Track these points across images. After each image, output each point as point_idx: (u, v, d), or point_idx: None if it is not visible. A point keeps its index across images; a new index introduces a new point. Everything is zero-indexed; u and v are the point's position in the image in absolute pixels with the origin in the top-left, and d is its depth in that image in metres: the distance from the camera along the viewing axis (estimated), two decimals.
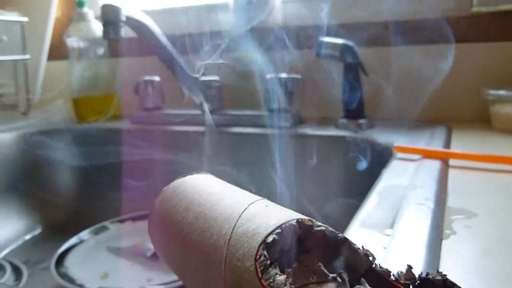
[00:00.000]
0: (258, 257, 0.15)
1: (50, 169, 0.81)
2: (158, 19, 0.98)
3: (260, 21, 0.83)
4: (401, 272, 0.16)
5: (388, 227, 0.30)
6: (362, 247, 0.16)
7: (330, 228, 0.16)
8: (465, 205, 0.34)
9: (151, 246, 0.63)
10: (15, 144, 0.78)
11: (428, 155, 0.48)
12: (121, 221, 0.70)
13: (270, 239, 0.15)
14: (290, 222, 0.16)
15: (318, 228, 0.16)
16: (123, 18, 0.54)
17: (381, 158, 0.56)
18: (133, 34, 0.75)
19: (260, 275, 0.14)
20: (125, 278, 0.55)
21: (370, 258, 0.16)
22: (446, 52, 0.71)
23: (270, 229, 0.16)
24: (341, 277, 0.14)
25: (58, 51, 0.94)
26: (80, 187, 0.81)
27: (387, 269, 0.16)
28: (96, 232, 0.67)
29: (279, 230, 0.16)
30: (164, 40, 0.62)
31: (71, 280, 0.53)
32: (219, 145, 0.73)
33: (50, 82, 0.97)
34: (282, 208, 0.19)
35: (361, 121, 0.68)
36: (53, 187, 0.81)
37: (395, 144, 0.52)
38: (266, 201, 0.20)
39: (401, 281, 0.15)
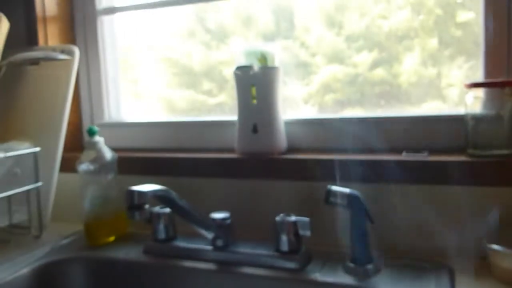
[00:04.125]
0: None
1: None
2: (163, 131, 1.02)
3: (265, 148, 0.87)
4: None
5: None
6: None
7: None
8: None
9: None
10: (30, 279, 0.80)
11: None
12: None
13: None
14: None
15: None
16: (148, 201, 0.57)
17: None
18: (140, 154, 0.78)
19: None
20: None
21: None
22: (444, 193, 0.76)
23: None
24: None
25: (69, 164, 0.97)
26: None
27: None
28: None
29: None
30: (180, 201, 0.66)
31: None
32: (227, 284, 0.75)
33: (61, 196, 0.99)
34: None
35: (368, 266, 0.71)
36: None
37: None
38: None
39: None
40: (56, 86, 0.97)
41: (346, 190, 0.71)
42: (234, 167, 0.89)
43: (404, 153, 0.81)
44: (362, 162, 0.80)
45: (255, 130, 0.88)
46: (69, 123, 1.04)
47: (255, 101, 0.88)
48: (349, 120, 0.89)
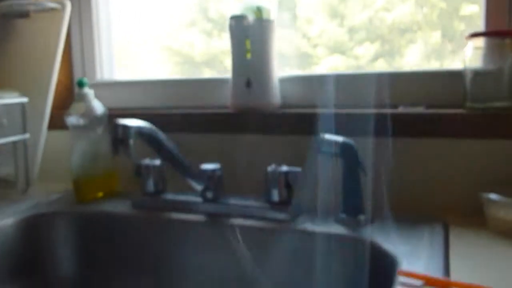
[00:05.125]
0: None
1: (47, 253, 0.81)
2: (157, 90, 1.00)
3: (259, 103, 0.85)
4: None
5: None
6: None
7: None
8: None
9: None
10: (15, 230, 0.78)
11: (430, 282, 0.50)
12: None
13: None
14: None
15: None
16: (132, 136, 0.55)
17: (383, 269, 0.57)
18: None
19: None
20: None
21: None
22: (441, 147, 0.74)
23: None
24: None
25: (57, 121, 0.95)
26: (80, 273, 0.81)
27: None
28: None
29: None
30: (168, 144, 0.64)
31: None
32: (217, 235, 0.74)
33: (50, 153, 0.97)
34: None
35: (361, 217, 0.69)
36: (51, 272, 0.81)
37: (398, 263, 0.54)
38: None
39: None
40: (46, 40, 0.94)
41: (339, 138, 0.69)
42: (227, 122, 0.87)
43: (400, 107, 0.79)
44: (357, 116, 0.78)
45: (248, 84, 0.86)
46: (60, 83, 1.02)
47: (249, 55, 0.86)
48: (344, 77, 0.87)
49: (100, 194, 0.88)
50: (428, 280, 0.50)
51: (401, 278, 0.52)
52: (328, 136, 0.70)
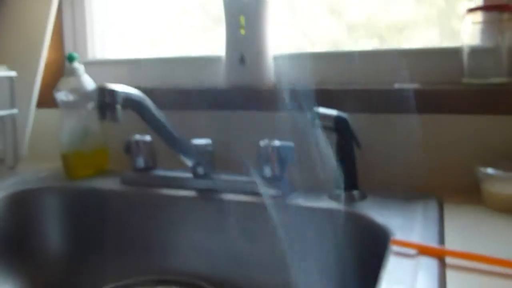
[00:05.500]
0: None
1: (35, 229, 0.80)
2: (150, 68, 0.98)
3: (252, 80, 0.84)
4: None
5: None
6: None
7: None
8: None
9: None
10: (2, 205, 0.76)
11: (424, 251, 0.49)
12: None
13: None
14: None
15: None
16: (120, 100, 0.54)
17: (375, 236, 0.56)
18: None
19: None
20: None
21: None
22: (438, 122, 0.72)
23: None
24: None
25: (47, 99, 0.93)
26: (68, 250, 0.80)
27: None
28: None
29: None
30: (158, 113, 0.62)
31: None
32: (209, 211, 0.72)
33: (39, 132, 0.96)
34: None
35: (354, 192, 0.68)
36: (39, 249, 0.79)
37: (392, 234, 0.52)
38: None
39: None
40: (36, 14, 0.92)
41: (334, 112, 0.68)
42: (220, 99, 0.85)
43: (396, 84, 0.77)
44: (352, 92, 0.76)
45: (242, 61, 0.84)
46: (51, 61, 1.00)
47: (243, 31, 0.84)
48: (339, 55, 0.85)
49: (90, 171, 0.87)
50: (421, 249, 0.49)
51: (394, 248, 0.50)
52: (323, 110, 0.68)
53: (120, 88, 0.55)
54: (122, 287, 0.69)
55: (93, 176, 0.86)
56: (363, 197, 0.68)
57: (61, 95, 0.84)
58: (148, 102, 0.59)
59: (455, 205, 0.65)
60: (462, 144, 0.71)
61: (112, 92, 0.53)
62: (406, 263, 0.47)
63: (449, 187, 0.70)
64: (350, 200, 0.67)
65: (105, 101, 0.53)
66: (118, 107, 0.53)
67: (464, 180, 0.69)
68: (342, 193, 0.68)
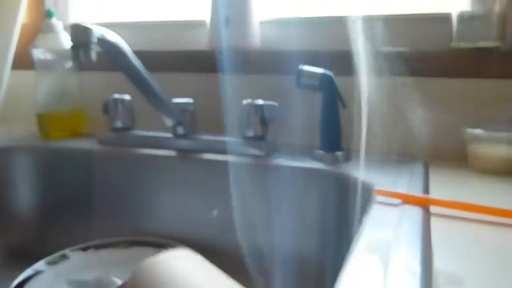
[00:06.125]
0: None
1: (8, 189, 0.76)
2: (131, 33, 0.95)
3: (237, 42, 0.81)
4: None
5: None
6: None
7: None
8: (452, 267, 0.32)
9: (116, 280, 0.60)
10: None
11: (408, 200, 0.47)
12: (83, 249, 0.66)
13: None
14: None
15: None
16: (95, 40, 0.51)
17: (360, 197, 0.54)
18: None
19: None
20: None
21: None
22: (425, 85, 0.71)
23: None
24: None
25: (24, 61, 0.90)
26: (42, 209, 0.76)
27: None
28: (54, 262, 0.63)
29: None
30: (136, 62, 0.59)
31: None
32: (189, 171, 0.70)
33: (14, 93, 0.92)
34: None
35: (338, 153, 0.66)
36: (11, 208, 0.76)
37: (376, 187, 0.50)
38: None
39: None
40: None
41: (319, 70, 0.66)
42: (205, 61, 0.83)
43: (384, 48, 0.75)
44: (338, 53, 0.74)
45: (227, 23, 0.81)
46: (29, 23, 0.96)
47: None
48: (327, 19, 0.83)
49: (66, 134, 0.84)
50: (406, 198, 0.47)
51: (378, 198, 0.49)
52: (308, 68, 0.66)
53: (96, 28, 0.52)
54: (95, 247, 0.66)
55: (69, 137, 0.83)
56: (347, 158, 0.66)
57: (38, 53, 0.81)
58: (126, 47, 0.56)
59: (441, 167, 0.63)
60: (449, 107, 0.69)
61: (87, 31, 0.50)
62: (390, 210, 0.45)
63: (436, 151, 0.69)
64: (333, 161, 0.65)
65: (79, 40, 0.50)
66: (93, 47, 0.50)
67: (451, 144, 0.68)
68: (326, 154, 0.65)
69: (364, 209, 0.51)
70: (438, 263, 0.33)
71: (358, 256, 0.34)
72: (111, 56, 0.55)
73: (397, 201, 0.47)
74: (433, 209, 0.45)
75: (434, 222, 0.42)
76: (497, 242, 0.37)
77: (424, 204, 0.46)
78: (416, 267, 0.32)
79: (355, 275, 0.31)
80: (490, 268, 0.33)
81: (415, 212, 0.44)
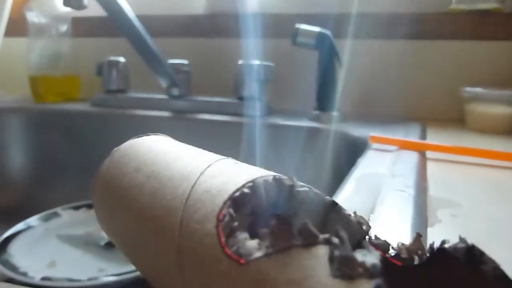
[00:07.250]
0: (222, 217, 0.11)
1: (1, 151, 0.75)
2: None
3: (234, 6, 0.80)
4: (403, 244, 0.12)
5: (369, 213, 0.27)
6: (355, 213, 0.13)
7: (315, 190, 0.13)
8: (447, 195, 0.32)
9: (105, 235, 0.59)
10: None
11: (404, 146, 0.46)
12: (75, 208, 0.65)
13: (238, 194, 0.12)
14: (266, 178, 0.13)
15: (301, 189, 0.13)
16: None
17: (355, 148, 0.53)
18: (98, 13, 0.70)
19: (223, 240, 0.11)
20: (74, 268, 0.50)
21: (364, 227, 0.13)
22: (422, 48, 0.70)
23: (240, 185, 0.12)
24: (339, 237, 0.10)
25: (18, 27, 0.88)
26: (34, 170, 0.75)
27: (384, 241, 0.13)
28: (46, 219, 0.62)
29: (251, 184, 0.12)
30: (133, 18, 0.58)
31: (13, 268, 0.48)
32: (183, 131, 0.69)
33: (7, 59, 0.91)
34: (257, 168, 0.15)
35: (334, 113, 0.65)
36: (4, 169, 0.75)
37: (371, 134, 0.49)
38: (234, 160, 0.16)
39: (403, 256, 0.12)
40: None
41: (316, 28, 0.65)
42: (201, 25, 0.81)
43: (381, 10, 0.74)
44: (339, 17, 0.73)
45: None
46: None
47: None
48: None
49: (59, 98, 0.82)
50: (402, 144, 0.46)
51: (374, 146, 0.48)
52: (305, 26, 0.65)
53: None
54: (87, 206, 0.65)
55: (62, 101, 0.82)
56: (343, 119, 0.65)
57: (32, 16, 0.80)
58: (124, 3, 0.55)
59: (438, 127, 0.62)
60: (446, 69, 0.68)
61: None
62: (386, 155, 0.44)
63: (432, 112, 0.68)
64: (329, 121, 0.64)
65: None
66: None
67: (447, 105, 0.67)
68: (321, 114, 0.65)
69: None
70: (433, 192, 0.32)
71: (351, 183, 0.33)
72: (107, 11, 0.54)
73: (393, 147, 0.46)
74: (429, 154, 0.44)
75: (430, 164, 0.41)
76: (493, 179, 0.37)
77: (420, 150, 0.45)
78: (410, 190, 0.31)
79: (347, 195, 0.30)
80: (486, 196, 0.32)
81: (411, 155, 0.43)
